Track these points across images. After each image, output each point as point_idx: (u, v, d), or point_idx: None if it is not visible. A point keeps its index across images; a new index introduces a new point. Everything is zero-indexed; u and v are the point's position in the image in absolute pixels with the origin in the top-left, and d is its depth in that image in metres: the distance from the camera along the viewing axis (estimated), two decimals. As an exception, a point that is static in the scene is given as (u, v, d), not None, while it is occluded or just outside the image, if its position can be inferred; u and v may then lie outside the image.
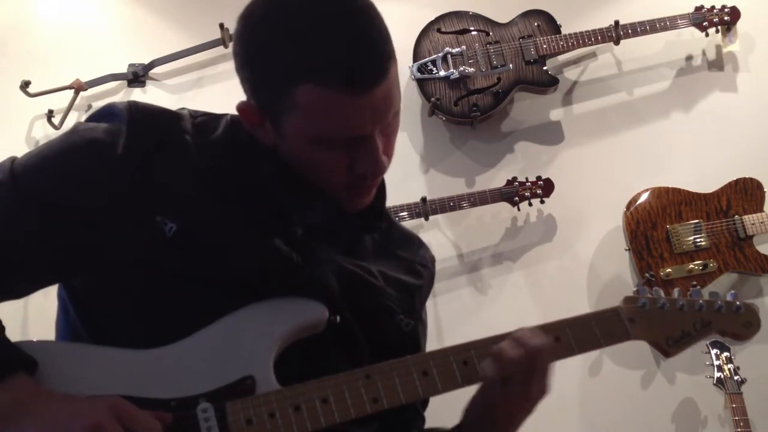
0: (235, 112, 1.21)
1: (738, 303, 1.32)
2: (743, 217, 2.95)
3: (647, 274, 2.90)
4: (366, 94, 1.07)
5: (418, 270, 1.37)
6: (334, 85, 1.05)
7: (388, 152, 1.17)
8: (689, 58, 3.27)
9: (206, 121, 1.22)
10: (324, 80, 1.05)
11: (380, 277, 1.28)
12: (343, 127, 1.09)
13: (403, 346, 1.28)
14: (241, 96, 1.18)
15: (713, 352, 2.70)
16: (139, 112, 1.15)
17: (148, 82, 3.28)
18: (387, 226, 1.35)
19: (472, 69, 3.02)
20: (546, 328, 1.21)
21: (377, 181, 1.21)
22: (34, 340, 1.09)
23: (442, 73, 3.03)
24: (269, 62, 1.09)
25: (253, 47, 1.11)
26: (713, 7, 3.13)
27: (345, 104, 1.07)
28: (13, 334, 1.06)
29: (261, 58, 1.10)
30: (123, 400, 1.01)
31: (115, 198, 1.09)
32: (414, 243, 1.41)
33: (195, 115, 1.22)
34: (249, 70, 1.13)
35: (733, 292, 1.33)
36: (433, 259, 1.43)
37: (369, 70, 1.07)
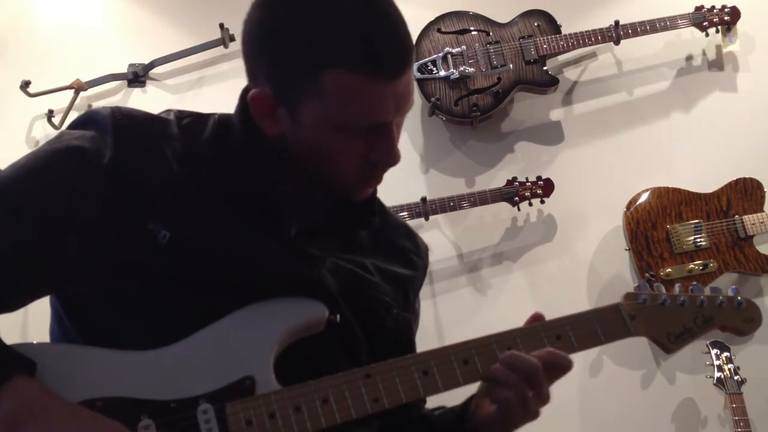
0: (225, 111, 1.21)
1: (739, 298, 1.32)
2: (743, 217, 2.95)
3: (647, 274, 2.89)
4: (392, 82, 1.08)
5: (413, 260, 1.37)
6: (364, 72, 1.06)
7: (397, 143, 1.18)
8: (689, 58, 3.27)
9: (193, 123, 1.21)
10: (353, 65, 1.06)
11: (375, 272, 1.28)
12: (368, 113, 1.10)
13: (400, 340, 1.28)
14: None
15: (713, 352, 2.69)
16: (124, 119, 1.14)
17: (148, 82, 3.28)
18: (382, 217, 1.35)
19: (472, 69, 3.02)
20: (547, 326, 1.21)
21: (386, 171, 1.21)
22: (33, 342, 1.09)
23: (442, 73, 3.02)
24: (294, 47, 1.08)
25: (276, 31, 1.10)
26: (713, 7, 3.13)
27: (372, 91, 1.07)
28: (13, 336, 1.06)
29: (285, 43, 1.09)
30: (126, 429, 1.00)
31: (105, 206, 1.09)
32: (409, 231, 1.42)
33: (181, 117, 1.21)
34: (270, 54, 1.12)
35: (734, 287, 1.33)
36: (426, 249, 1.44)
37: (398, 58, 1.08)
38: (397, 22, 1.10)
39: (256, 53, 1.14)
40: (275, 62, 1.12)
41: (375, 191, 1.28)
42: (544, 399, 1.15)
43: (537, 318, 1.23)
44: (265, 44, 1.12)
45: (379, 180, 1.21)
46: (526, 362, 1.13)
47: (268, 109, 1.14)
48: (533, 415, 1.15)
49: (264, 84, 1.14)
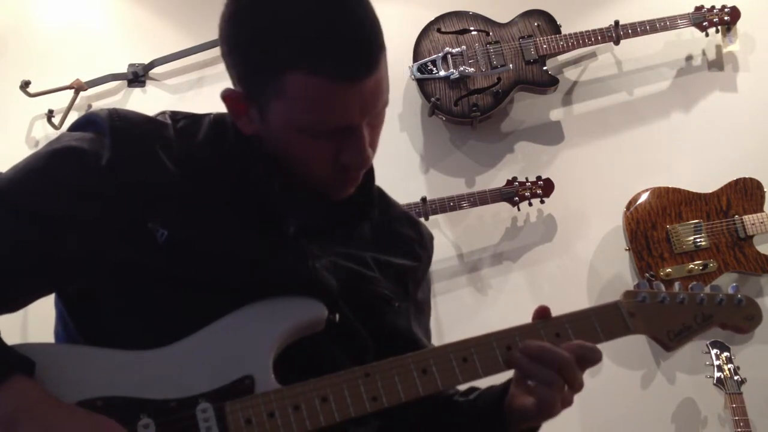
0: (220, 111, 1.20)
1: (739, 296, 1.32)
2: (743, 217, 2.95)
3: (647, 274, 2.89)
4: (356, 84, 1.06)
5: (415, 251, 1.36)
6: (324, 74, 1.04)
7: (374, 144, 1.16)
8: (689, 58, 3.27)
9: (188, 124, 1.21)
10: (314, 68, 1.04)
11: (374, 266, 1.27)
12: (331, 116, 1.08)
13: (402, 333, 1.28)
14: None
15: (713, 352, 2.70)
16: (121, 122, 1.14)
17: (148, 82, 3.28)
18: (383, 207, 1.34)
19: (472, 69, 3.02)
20: (546, 324, 1.21)
21: (362, 172, 1.20)
22: (34, 342, 1.08)
23: (442, 73, 3.03)
24: (259, 47, 1.08)
25: (244, 31, 1.10)
26: (713, 7, 3.13)
27: (334, 94, 1.06)
28: (13, 336, 1.06)
29: (251, 43, 1.09)
30: (123, 429, 1.00)
31: (104, 206, 1.09)
32: (412, 220, 1.41)
33: (176, 118, 1.22)
34: (238, 54, 1.12)
35: (734, 284, 1.33)
36: (431, 238, 1.43)
37: (360, 60, 1.06)
38: (363, 22, 1.06)
39: (225, 52, 1.14)
40: (243, 61, 1.12)
41: (372, 182, 1.28)
42: (577, 388, 1.15)
43: (543, 311, 1.23)
44: (232, 42, 1.12)
45: (356, 180, 1.19)
46: (557, 356, 1.13)
47: (242, 108, 1.14)
48: (568, 403, 1.15)
49: (236, 83, 1.14)
